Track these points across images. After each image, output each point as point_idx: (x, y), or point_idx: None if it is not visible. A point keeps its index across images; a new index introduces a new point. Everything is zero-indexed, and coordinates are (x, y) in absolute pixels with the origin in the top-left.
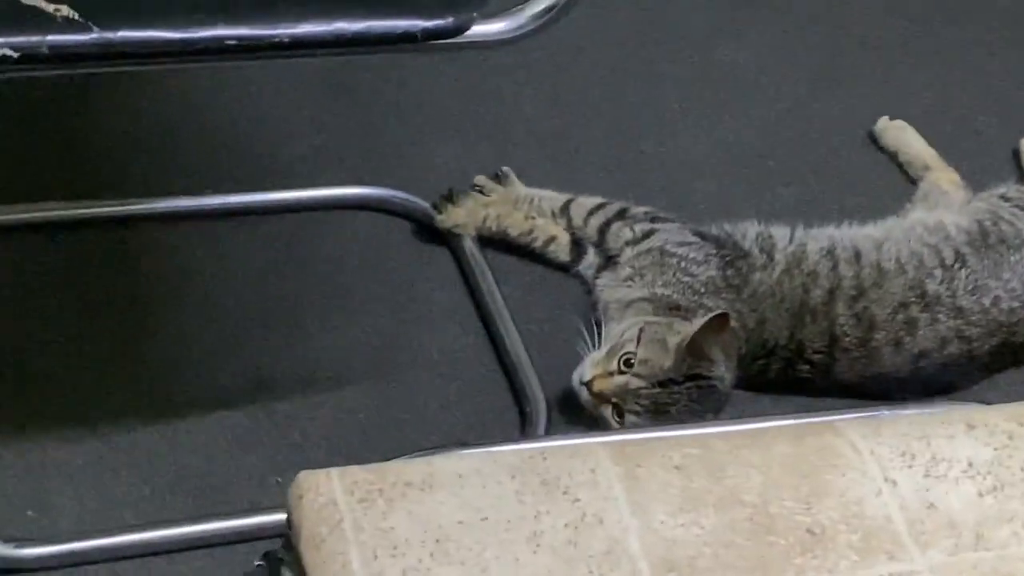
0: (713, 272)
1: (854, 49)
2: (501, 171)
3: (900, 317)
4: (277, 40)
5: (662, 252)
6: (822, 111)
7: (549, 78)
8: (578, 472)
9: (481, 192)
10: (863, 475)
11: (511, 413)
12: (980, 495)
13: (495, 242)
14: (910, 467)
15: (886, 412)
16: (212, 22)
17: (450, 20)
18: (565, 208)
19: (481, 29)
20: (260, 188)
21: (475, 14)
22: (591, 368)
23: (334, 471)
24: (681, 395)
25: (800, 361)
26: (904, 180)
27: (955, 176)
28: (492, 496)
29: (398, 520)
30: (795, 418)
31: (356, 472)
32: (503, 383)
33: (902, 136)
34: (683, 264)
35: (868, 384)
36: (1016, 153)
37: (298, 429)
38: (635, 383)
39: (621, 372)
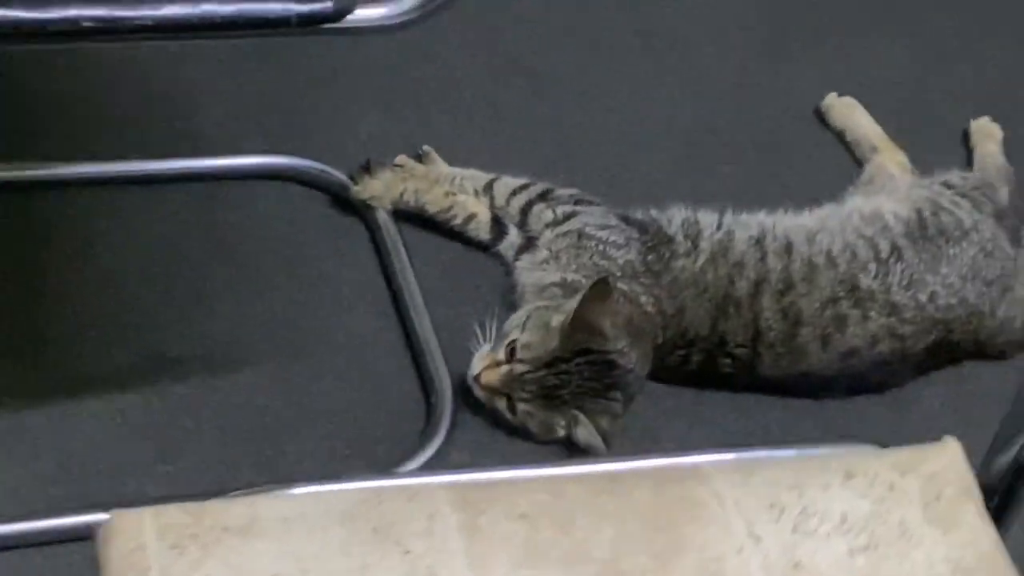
0: (632, 256)
1: (807, 18)
2: (422, 150)
3: (829, 313)
4: (139, 22)
5: (580, 235)
6: (769, 84)
7: (481, 45)
8: (415, 519)
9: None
10: (725, 529)
11: (417, 403)
12: (851, 554)
13: (414, 218)
14: (777, 521)
15: (762, 453)
16: (66, 1)
17: (329, 5)
18: (489, 186)
19: (365, 14)
20: (170, 155)
21: None
22: (479, 361)
23: (148, 512)
24: (570, 374)
25: (722, 354)
26: (850, 160)
27: (903, 158)
28: (317, 545)
29: (211, 570)
30: (661, 458)
31: (172, 513)
32: (411, 370)
33: (850, 114)
34: (601, 247)
35: (793, 382)
36: (966, 134)
37: (192, 414)
38: (519, 368)
39: (508, 361)
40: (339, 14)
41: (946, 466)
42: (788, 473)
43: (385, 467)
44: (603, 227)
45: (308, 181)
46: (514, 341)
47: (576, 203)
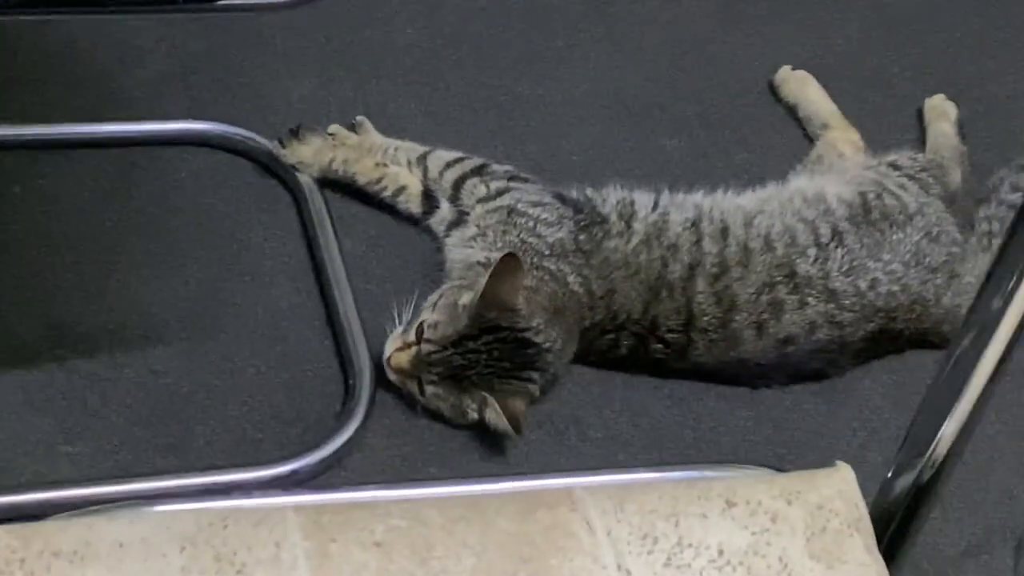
0: (563, 235)
1: None
2: (356, 120)
3: (765, 298)
4: None
5: (511, 211)
6: (721, 54)
7: (421, 11)
8: (260, 545)
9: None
10: (594, 561)
11: (335, 384)
12: None
13: (342, 189)
14: (650, 552)
15: (645, 475)
16: None
17: None
18: (422, 158)
19: None
20: (93, 118)
21: None
22: (391, 343)
23: None
24: (479, 353)
25: (653, 339)
26: (801, 136)
27: (855, 136)
28: (152, 572)
29: None
30: (531, 479)
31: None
32: (330, 348)
33: (802, 89)
34: (531, 224)
35: (728, 369)
36: (920, 112)
37: (98, 391)
38: (426, 348)
39: (417, 343)
40: None
41: (835, 494)
42: (666, 500)
43: (297, 451)
44: (535, 204)
45: (233, 148)
46: (423, 321)
47: (510, 179)
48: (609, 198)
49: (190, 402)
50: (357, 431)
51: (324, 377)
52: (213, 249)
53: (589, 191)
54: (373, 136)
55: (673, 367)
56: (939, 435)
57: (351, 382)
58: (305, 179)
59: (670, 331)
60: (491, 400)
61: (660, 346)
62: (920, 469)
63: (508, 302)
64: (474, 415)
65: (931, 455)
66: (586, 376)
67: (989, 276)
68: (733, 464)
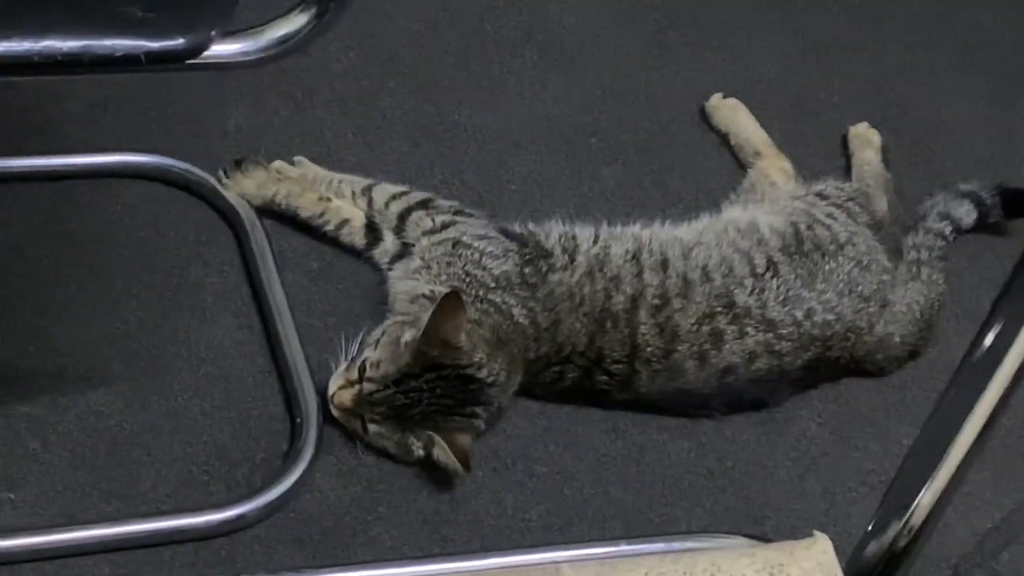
0: (508, 268)
1: (696, 13)
2: (295, 160)
3: (705, 329)
4: None
5: (456, 243)
6: (655, 82)
7: (358, 36)
8: None
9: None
10: None
11: (281, 423)
12: None
13: (284, 223)
14: None
15: (628, 547)
16: None
17: (181, 41)
18: (367, 190)
19: (220, 50)
20: (23, 151)
21: (213, 33)
22: (335, 381)
23: None
24: (421, 391)
25: (599, 371)
26: (734, 164)
27: (786, 164)
28: None
29: None
30: (518, 554)
31: None
32: (276, 386)
33: (734, 117)
34: (477, 256)
35: (670, 399)
36: (844, 139)
37: (39, 435)
38: (368, 388)
39: (359, 381)
40: (192, 51)
41: (815, 567)
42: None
43: (244, 494)
44: (481, 238)
45: (170, 180)
46: (365, 359)
47: (455, 213)
48: (552, 232)
49: (134, 444)
50: (305, 472)
51: (270, 415)
52: (152, 285)
53: (531, 226)
54: (315, 169)
55: (617, 398)
56: (916, 502)
57: (298, 420)
58: (245, 211)
59: (615, 362)
60: (438, 439)
61: (605, 377)
62: (896, 535)
63: (450, 340)
64: (420, 452)
65: (907, 521)
66: (531, 409)
67: (980, 332)
68: (713, 534)
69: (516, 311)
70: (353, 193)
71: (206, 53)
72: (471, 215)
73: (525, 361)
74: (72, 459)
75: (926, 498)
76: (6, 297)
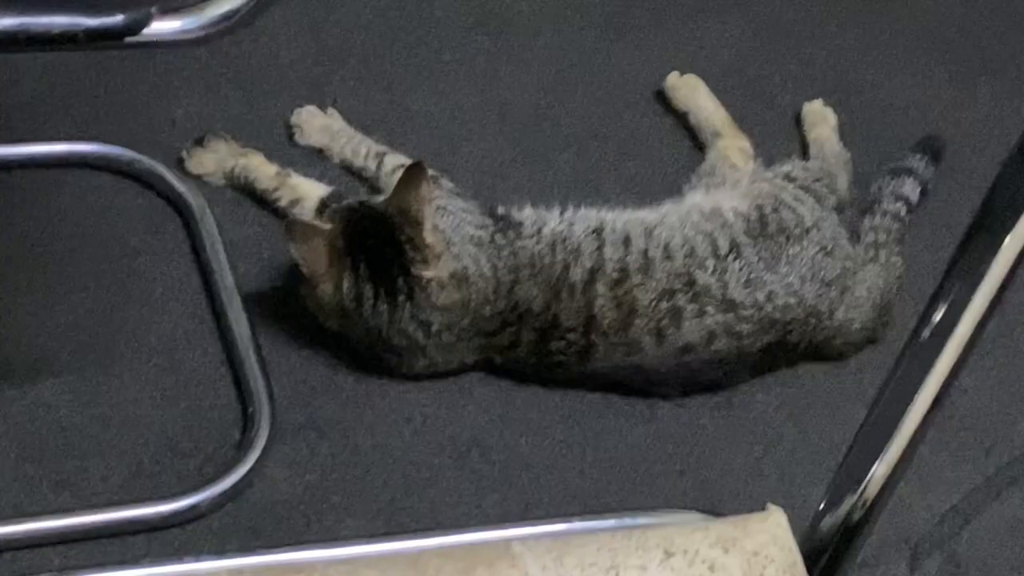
0: (483, 234)
1: None
2: (327, 112)
3: (664, 305)
4: None
5: (438, 208)
6: (608, 65)
7: (308, 21)
8: None
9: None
10: None
11: (233, 413)
12: None
13: (235, 211)
14: None
15: (581, 523)
16: None
17: (120, 19)
18: (381, 155)
19: (161, 27)
20: None
21: (153, 9)
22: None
23: None
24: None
25: (554, 337)
26: (691, 147)
27: (746, 144)
28: None
29: None
30: (470, 532)
31: None
32: (228, 377)
33: (693, 96)
34: (456, 222)
35: (628, 376)
36: (798, 118)
37: None
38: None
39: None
40: (132, 28)
41: (770, 540)
42: (604, 553)
43: (196, 484)
44: (464, 210)
45: (118, 169)
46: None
47: (452, 194)
48: (524, 210)
49: (84, 436)
50: (258, 461)
51: (222, 406)
52: (101, 275)
53: (503, 207)
54: (340, 123)
55: (573, 373)
56: (870, 475)
57: (250, 410)
58: (195, 200)
59: (570, 330)
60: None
61: (561, 344)
62: (850, 508)
63: (409, 209)
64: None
65: (861, 494)
66: (487, 396)
67: (928, 307)
68: (667, 510)
69: (482, 262)
70: (367, 153)
71: (146, 31)
72: (462, 195)
73: (481, 316)
74: (20, 451)
75: (880, 471)
76: None
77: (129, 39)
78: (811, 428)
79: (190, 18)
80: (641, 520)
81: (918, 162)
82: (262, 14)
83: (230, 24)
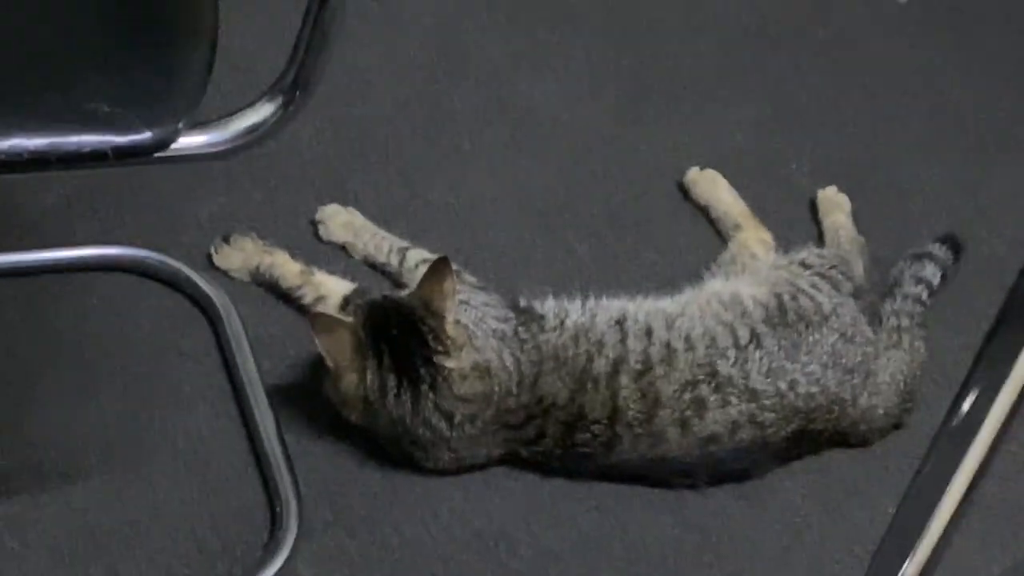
0: (506, 327)
1: (664, 83)
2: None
3: (688, 396)
4: None
5: (461, 302)
6: (626, 154)
7: (328, 114)
8: None
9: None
10: None
11: (261, 511)
12: None
13: (259, 310)
14: None
15: None
16: None
17: (148, 135)
18: (403, 250)
19: (189, 142)
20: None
21: (181, 125)
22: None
23: None
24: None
25: (580, 429)
26: (709, 235)
27: (766, 235)
28: None
29: None
30: None
31: None
32: (255, 474)
33: (713, 190)
34: (479, 315)
35: (654, 468)
36: (813, 204)
37: (18, 533)
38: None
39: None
40: (159, 145)
41: None
42: None
43: None
44: (486, 304)
45: (146, 272)
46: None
47: (475, 287)
48: (547, 303)
49: (114, 539)
50: (287, 561)
51: (250, 505)
52: (129, 376)
53: (525, 299)
54: (361, 220)
55: (599, 465)
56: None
57: (277, 509)
58: (220, 300)
59: (595, 422)
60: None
61: (587, 436)
62: None
63: (432, 302)
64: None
65: None
66: (512, 489)
67: (952, 408)
68: None
69: (505, 355)
70: (389, 249)
71: (174, 145)
72: (484, 289)
73: (505, 409)
74: (51, 556)
75: (909, 570)
76: None
77: (157, 155)
78: (839, 515)
79: (216, 132)
80: None
81: (939, 249)
82: (286, 126)
83: (255, 136)
